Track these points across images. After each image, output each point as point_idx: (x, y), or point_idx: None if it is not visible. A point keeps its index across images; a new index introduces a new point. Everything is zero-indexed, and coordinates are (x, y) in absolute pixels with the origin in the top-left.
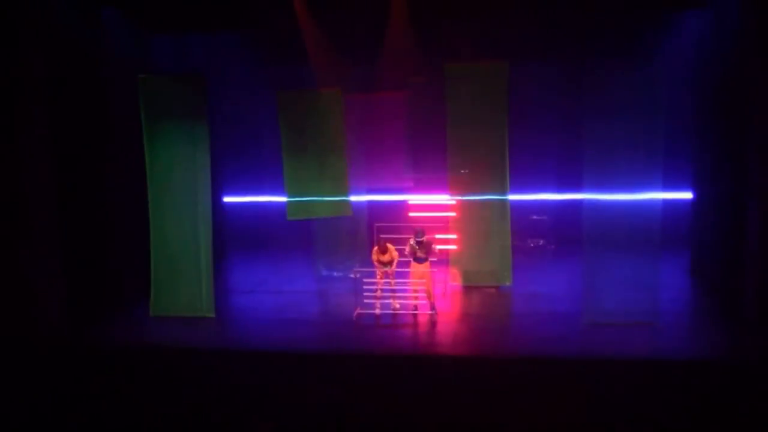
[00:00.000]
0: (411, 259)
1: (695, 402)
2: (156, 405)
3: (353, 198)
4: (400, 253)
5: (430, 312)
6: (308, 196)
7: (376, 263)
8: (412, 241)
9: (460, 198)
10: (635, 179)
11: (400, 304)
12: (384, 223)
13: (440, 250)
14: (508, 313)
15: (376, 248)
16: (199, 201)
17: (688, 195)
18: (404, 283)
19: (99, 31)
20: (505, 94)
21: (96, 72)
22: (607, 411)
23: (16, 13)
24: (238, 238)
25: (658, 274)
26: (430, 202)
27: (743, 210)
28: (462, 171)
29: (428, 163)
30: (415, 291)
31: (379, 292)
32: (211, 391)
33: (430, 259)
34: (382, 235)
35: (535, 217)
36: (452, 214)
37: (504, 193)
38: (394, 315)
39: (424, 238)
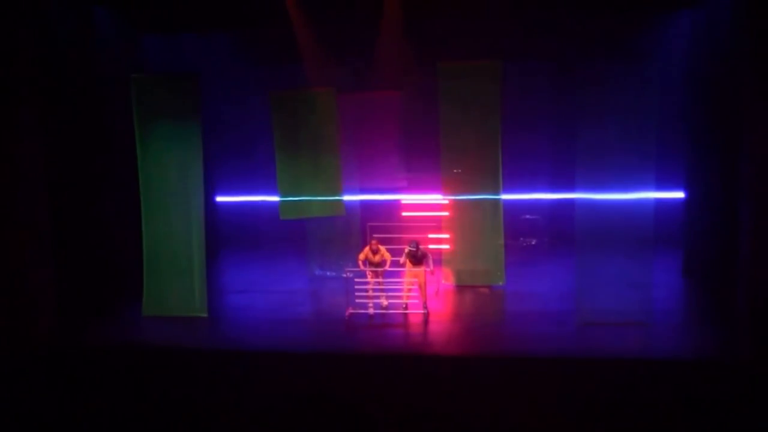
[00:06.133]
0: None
1: (687, 401)
2: (148, 405)
3: (346, 198)
4: (394, 256)
5: (422, 311)
6: (301, 196)
7: (360, 263)
8: (407, 250)
9: (453, 197)
10: (628, 179)
11: (389, 302)
12: (377, 223)
13: (433, 249)
14: (500, 313)
15: (367, 249)
16: (192, 200)
17: (680, 195)
18: (396, 282)
19: (91, 30)
20: (498, 93)
21: (88, 71)
22: (599, 410)
23: (7, 12)
24: (231, 238)
25: (650, 274)
26: (423, 201)
27: (735, 210)
28: (455, 170)
29: (421, 162)
30: (408, 290)
31: (371, 291)
32: (203, 390)
33: (425, 268)
34: (375, 235)
35: (528, 216)
36: (445, 213)
37: (497, 192)
38: (386, 315)
39: (419, 250)
